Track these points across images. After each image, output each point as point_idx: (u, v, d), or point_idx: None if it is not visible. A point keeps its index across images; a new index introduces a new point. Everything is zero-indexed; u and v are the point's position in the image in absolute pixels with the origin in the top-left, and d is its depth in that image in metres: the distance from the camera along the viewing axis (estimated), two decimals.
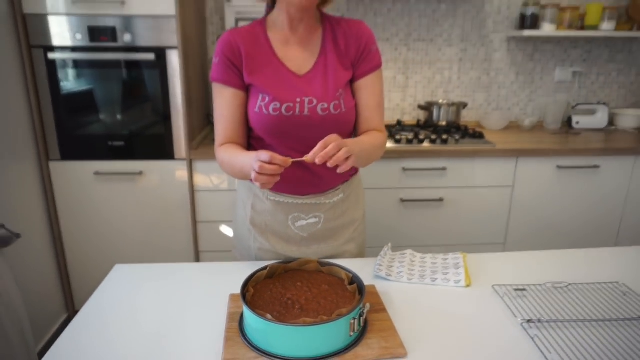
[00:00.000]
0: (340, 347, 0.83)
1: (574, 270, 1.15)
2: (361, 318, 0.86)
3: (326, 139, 0.92)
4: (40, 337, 1.91)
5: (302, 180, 1.14)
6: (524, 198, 2.15)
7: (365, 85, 1.14)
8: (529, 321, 0.93)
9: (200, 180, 1.99)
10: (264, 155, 0.91)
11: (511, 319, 0.94)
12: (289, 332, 0.81)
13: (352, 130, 1.19)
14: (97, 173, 1.94)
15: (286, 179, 1.05)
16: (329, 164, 0.91)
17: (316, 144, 0.94)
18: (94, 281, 2.05)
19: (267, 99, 1.07)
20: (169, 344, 0.86)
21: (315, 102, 1.08)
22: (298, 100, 1.08)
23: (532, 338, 0.88)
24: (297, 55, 1.11)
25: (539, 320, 0.93)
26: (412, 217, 2.12)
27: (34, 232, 1.87)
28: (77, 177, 1.94)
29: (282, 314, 0.86)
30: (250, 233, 1.22)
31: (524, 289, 1.06)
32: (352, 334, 0.84)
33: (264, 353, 0.82)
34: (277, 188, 1.15)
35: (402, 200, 2.09)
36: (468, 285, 1.08)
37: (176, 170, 1.97)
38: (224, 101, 1.11)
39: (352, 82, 1.15)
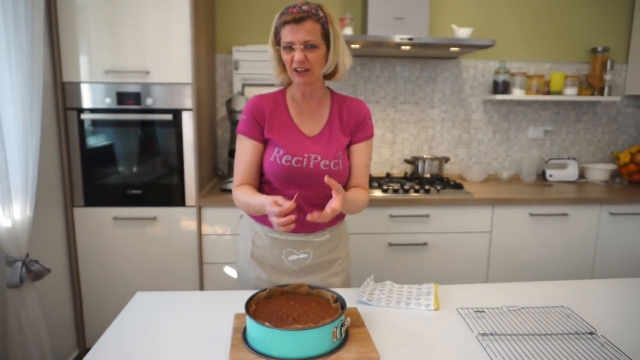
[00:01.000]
0: (325, 351, 1.02)
1: (528, 297, 1.34)
2: (342, 328, 1.06)
3: (339, 202, 1.15)
4: None
5: (297, 221, 1.36)
6: (501, 242, 2.36)
7: (358, 149, 1.41)
8: (483, 334, 1.12)
9: (207, 225, 2.21)
10: (274, 209, 1.13)
11: (469, 333, 1.13)
12: (283, 336, 1.00)
13: (345, 182, 1.43)
14: (115, 218, 2.16)
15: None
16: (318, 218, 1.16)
17: (312, 192, 1.26)
18: (106, 319, 2.21)
19: (282, 152, 1.33)
20: (184, 353, 1.04)
21: (319, 158, 1.34)
22: (306, 155, 1.34)
23: (485, 348, 1.06)
24: (308, 121, 1.39)
25: (492, 334, 1.12)
26: (399, 259, 2.32)
27: (54, 271, 2.06)
28: (98, 221, 2.17)
29: (278, 324, 1.05)
30: (249, 265, 1.44)
31: (482, 311, 1.25)
32: (335, 340, 1.03)
33: (263, 355, 1.01)
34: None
35: (390, 244, 2.30)
36: (437, 309, 1.27)
37: (186, 216, 2.20)
38: (245, 150, 1.36)
39: (348, 145, 1.41)
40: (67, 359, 2.17)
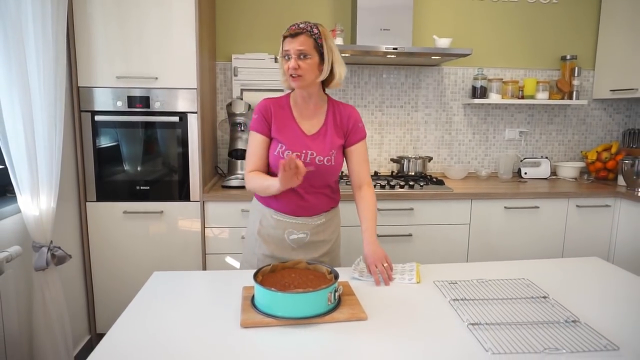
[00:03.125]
0: (322, 312, 1.21)
1: (496, 272, 1.55)
2: (336, 293, 1.26)
3: (374, 263, 1.50)
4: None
5: (297, 206, 1.62)
6: (479, 233, 2.58)
7: (355, 150, 1.67)
8: (454, 300, 1.33)
9: (210, 218, 2.40)
10: (282, 164, 1.34)
11: (443, 299, 1.34)
12: (287, 299, 1.19)
13: (336, 175, 1.67)
14: (125, 212, 2.34)
15: (287, 204, 1.59)
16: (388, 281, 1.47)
17: (309, 182, 1.52)
18: (116, 305, 2.39)
19: (284, 147, 1.57)
20: (201, 318, 1.22)
21: (315, 154, 1.58)
22: (304, 151, 1.58)
23: (455, 310, 1.27)
24: (308, 121, 1.62)
25: (462, 299, 1.33)
26: (386, 249, 2.48)
27: (69, 260, 2.23)
28: (109, 215, 2.34)
29: (282, 290, 1.25)
30: (256, 242, 1.66)
31: (455, 282, 1.46)
32: (329, 303, 1.23)
33: (269, 315, 1.20)
34: (280, 209, 1.62)
35: (378, 236, 2.49)
36: (418, 282, 1.48)
37: (191, 210, 2.38)
38: (257, 143, 1.60)
39: (345, 147, 1.65)
40: (79, 343, 2.34)
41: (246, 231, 1.76)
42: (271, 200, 1.63)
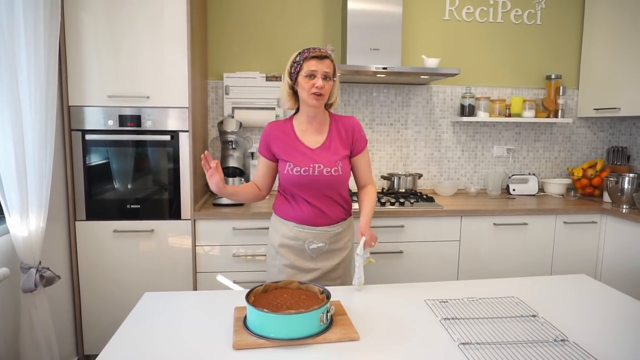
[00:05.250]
0: (314, 332, 1.22)
1: (486, 290, 1.57)
2: (328, 313, 1.26)
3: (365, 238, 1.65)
4: None
5: (315, 215, 1.75)
6: (469, 249, 2.60)
7: (360, 158, 1.82)
8: (445, 319, 1.34)
9: (201, 236, 2.39)
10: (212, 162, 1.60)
11: (434, 318, 1.35)
12: (279, 320, 1.20)
13: (345, 184, 1.80)
14: (115, 231, 2.33)
15: (306, 215, 1.72)
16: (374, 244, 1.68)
17: (321, 193, 1.71)
18: (104, 326, 2.36)
19: (292, 165, 1.71)
20: (193, 340, 1.22)
21: (322, 167, 1.70)
22: (311, 165, 1.70)
23: (447, 329, 1.28)
24: (312, 137, 1.75)
25: (453, 318, 1.35)
26: (377, 266, 2.53)
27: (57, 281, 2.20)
28: (99, 234, 2.32)
29: (274, 311, 1.25)
30: (277, 253, 1.77)
31: (446, 301, 1.48)
32: (322, 324, 1.24)
33: (261, 336, 1.20)
34: (300, 221, 1.74)
35: (370, 253, 2.51)
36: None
37: (182, 228, 2.37)
38: (261, 164, 1.81)
39: (351, 156, 1.79)
40: None
41: (267, 245, 1.87)
42: (291, 213, 1.76)
